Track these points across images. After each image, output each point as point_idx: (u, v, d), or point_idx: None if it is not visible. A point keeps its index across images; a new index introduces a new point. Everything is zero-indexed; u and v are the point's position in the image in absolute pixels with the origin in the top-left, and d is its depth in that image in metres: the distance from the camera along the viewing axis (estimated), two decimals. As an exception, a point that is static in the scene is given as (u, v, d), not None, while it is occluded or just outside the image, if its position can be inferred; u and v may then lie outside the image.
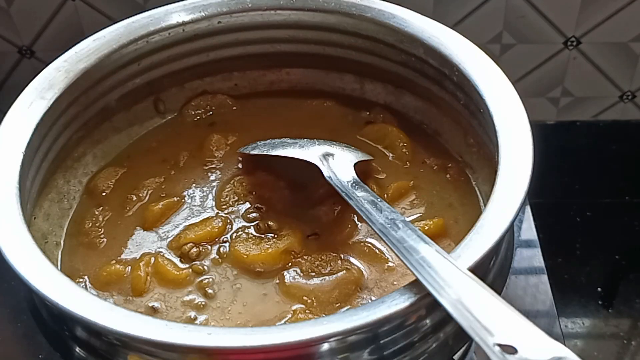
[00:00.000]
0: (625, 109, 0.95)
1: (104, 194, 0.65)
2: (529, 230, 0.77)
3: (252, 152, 0.65)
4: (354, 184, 0.57)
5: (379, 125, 0.69)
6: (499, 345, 0.40)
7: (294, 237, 0.59)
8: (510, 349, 0.40)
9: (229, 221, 0.61)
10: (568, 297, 0.87)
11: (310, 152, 0.61)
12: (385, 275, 0.57)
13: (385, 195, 0.62)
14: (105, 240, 0.61)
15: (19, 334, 0.70)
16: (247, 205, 0.62)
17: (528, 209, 0.78)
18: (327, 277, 0.56)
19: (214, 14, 0.67)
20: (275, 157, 0.62)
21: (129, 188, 0.65)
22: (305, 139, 0.64)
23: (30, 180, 0.58)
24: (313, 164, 0.60)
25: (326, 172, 0.59)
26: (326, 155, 0.61)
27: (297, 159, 0.61)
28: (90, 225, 0.62)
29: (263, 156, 0.64)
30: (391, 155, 0.66)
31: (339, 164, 0.60)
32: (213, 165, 0.66)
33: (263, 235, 0.59)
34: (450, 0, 0.84)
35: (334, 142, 0.63)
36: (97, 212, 0.63)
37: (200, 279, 0.57)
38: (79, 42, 0.64)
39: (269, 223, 0.60)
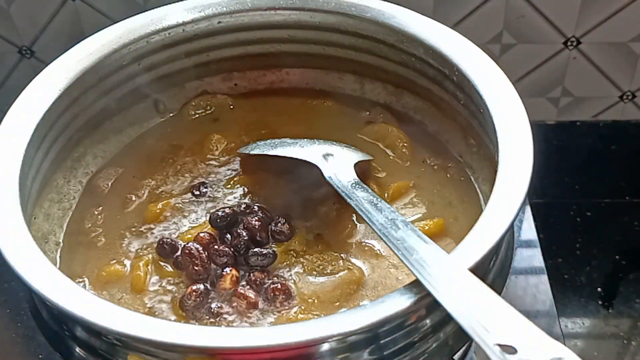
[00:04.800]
0: (625, 109, 0.94)
1: (103, 193, 0.65)
2: (529, 230, 0.77)
3: (252, 152, 0.65)
4: (354, 184, 0.57)
5: (379, 125, 0.69)
6: (499, 345, 0.40)
7: (295, 237, 0.59)
8: (510, 349, 0.40)
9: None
10: (568, 297, 0.87)
11: (310, 152, 0.61)
12: (386, 275, 0.57)
13: (386, 195, 0.62)
14: (104, 239, 0.61)
15: (19, 334, 0.70)
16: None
17: (528, 209, 0.78)
18: (328, 277, 0.56)
19: (214, 14, 0.67)
20: (275, 157, 0.62)
21: (128, 188, 0.65)
22: (305, 139, 0.64)
23: (30, 180, 0.58)
24: (313, 164, 0.60)
25: (326, 172, 0.59)
26: (326, 155, 0.61)
27: (297, 159, 0.61)
28: (90, 225, 0.62)
29: (263, 156, 0.64)
30: (391, 155, 0.66)
31: (339, 164, 0.60)
32: (213, 165, 0.66)
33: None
34: (450, 0, 0.84)
35: (334, 142, 0.63)
36: (96, 212, 0.63)
37: (200, 278, 0.57)
38: (79, 42, 0.64)
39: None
